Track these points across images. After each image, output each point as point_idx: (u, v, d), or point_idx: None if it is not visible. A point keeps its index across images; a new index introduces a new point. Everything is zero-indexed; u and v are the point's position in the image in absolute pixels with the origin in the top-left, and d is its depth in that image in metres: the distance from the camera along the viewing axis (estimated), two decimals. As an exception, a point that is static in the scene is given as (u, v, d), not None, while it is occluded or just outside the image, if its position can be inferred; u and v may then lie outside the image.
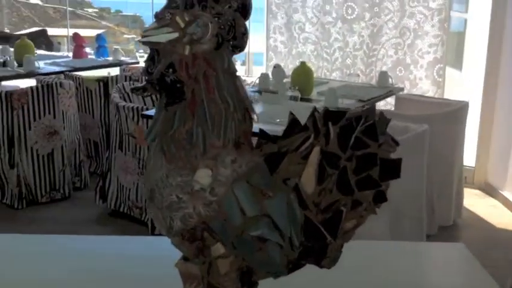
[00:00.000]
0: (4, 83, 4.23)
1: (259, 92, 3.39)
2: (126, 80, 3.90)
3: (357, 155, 0.80)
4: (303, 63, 3.45)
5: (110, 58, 4.62)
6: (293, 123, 0.84)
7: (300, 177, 0.79)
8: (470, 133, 3.89)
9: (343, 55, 4.64)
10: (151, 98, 3.57)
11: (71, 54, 4.79)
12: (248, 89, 3.56)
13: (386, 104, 4.42)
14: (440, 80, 4.50)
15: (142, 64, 4.67)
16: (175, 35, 0.74)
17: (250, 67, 5.94)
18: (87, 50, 4.79)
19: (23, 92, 3.40)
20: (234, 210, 0.76)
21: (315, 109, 0.84)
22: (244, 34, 0.81)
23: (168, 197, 0.77)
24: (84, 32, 6.75)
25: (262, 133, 0.85)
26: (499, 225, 3.71)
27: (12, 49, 4.34)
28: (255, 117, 0.83)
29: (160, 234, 0.90)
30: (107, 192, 3.46)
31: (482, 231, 3.62)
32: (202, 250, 0.80)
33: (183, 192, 0.76)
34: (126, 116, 3.16)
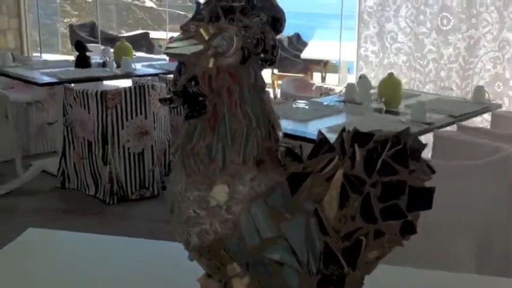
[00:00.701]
0: (104, 82, 4.44)
1: (344, 102, 3.33)
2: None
3: (383, 181, 0.75)
4: (390, 74, 3.34)
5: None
6: (321, 143, 0.81)
7: (322, 200, 0.76)
8: None
9: (437, 67, 4.46)
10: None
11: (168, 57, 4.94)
12: (333, 98, 3.51)
13: (482, 121, 4.19)
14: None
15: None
16: (200, 47, 0.73)
17: (344, 76, 5.85)
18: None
19: (117, 92, 3.56)
20: (249, 230, 0.74)
21: (343, 129, 0.81)
22: (274, 48, 0.79)
23: (186, 211, 0.76)
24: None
25: (289, 151, 0.82)
26: None
27: (112, 50, 4.56)
28: (280, 134, 0.81)
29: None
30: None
31: None
32: (219, 268, 0.79)
33: (200, 207, 0.75)
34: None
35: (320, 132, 0.82)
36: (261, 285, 0.77)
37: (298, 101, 3.06)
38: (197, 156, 0.75)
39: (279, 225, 0.75)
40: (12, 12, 6.54)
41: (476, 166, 2.42)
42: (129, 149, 3.72)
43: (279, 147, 0.81)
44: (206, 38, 0.73)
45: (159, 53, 5.62)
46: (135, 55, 4.74)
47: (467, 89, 4.34)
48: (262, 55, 0.78)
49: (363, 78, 3.30)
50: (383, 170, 0.75)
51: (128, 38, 6.18)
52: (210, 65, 0.74)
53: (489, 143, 2.75)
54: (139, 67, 4.40)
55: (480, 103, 3.64)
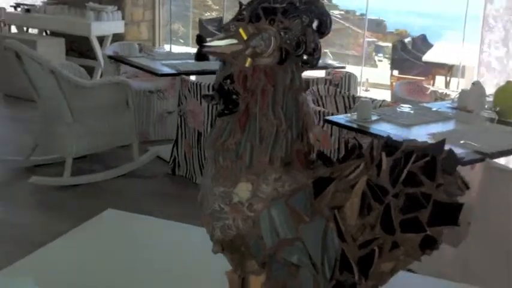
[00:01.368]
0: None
1: (455, 109, 3.18)
2: (326, 84, 3.96)
3: (407, 192, 0.73)
4: (508, 83, 3.14)
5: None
6: (353, 149, 0.80)
7: (343, 206, 0.76)
8: None
9: None
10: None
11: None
12: (445, 104, 3.36)
13: None
14: None
15: (347, 69, 4.69)
16: (238, 46, 0.75)
17: (467, 81, 5.56)
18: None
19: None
20: (268, 229, 0.76)
21: (375, 137, 0.79)
22: (315, 50, 0.80)
23: (212, 204, 0.79)
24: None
25: (319, 155, 0.82)
26: None
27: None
28: (311, 137, 0.81)
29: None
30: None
31: None
32: (240, 263, 0.81)
33: (224, 203, 0.77)
34: (313, 118, 3.22)
35: (354, 138, 0.81)
36: (276, 285, 0.79)
37: (402, 105, 2.97)
38: (226, 152, 0.78)
39: (297, 227, 0.75)
40: (148, 5, 6.95)
41: None
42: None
43: (311, 149, 0.81)
44: (245, 37, 0.75)
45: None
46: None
47: None
48: (304, 57, 0.79)
49: (476, 85, 3.13)
50: (408, 181, 0.73)
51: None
52: (247, 64, 0.76)
53: None
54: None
55: None
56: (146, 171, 4.10)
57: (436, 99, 4.04)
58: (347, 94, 3.62)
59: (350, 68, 4.99)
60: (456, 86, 5.32)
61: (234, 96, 0.78)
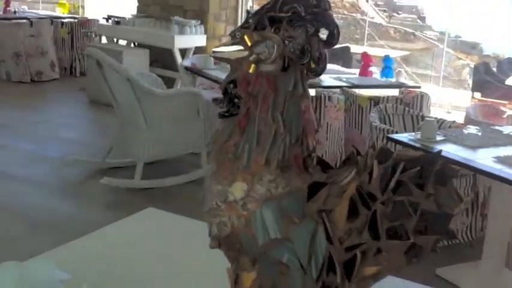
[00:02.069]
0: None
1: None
2: (396, 103, 3.90)
3: (395, 200, 0.73)
4: None
5: (393, 79, 4.66)
6: (351, 156, 0.81)
7: (333, 210, 0.77)
8: None
9: None
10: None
11: (357, 71, 4.98)
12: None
13: None
14: None
15: (422, 89, 4.59)
16: (243, 53, 0.79)
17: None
18: (374, 69, 4.91)
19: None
20: (259, 228, 0.78)
21: (372, 145, 0.80)
22: (320, 59, 0.82)
23: (210, 202, 0.82)
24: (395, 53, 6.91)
25: (319, 161, 0.84)
26: None
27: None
28: (310, 143, 0.82)
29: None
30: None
31: None
32: (235, 260, 0.84)
33: (221, 200, 0.81)
34: (377, 136, 3.19)
35: (353, 146, 0.82)
36: (266, 283, 0.80)
37: (469, 126, 2.88)
38: (225, 152, 0.81)
39: (287, 228, 0.77)
40: (230, 20, 7.13)
41: None
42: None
43: (310, 155, 0.83)
44: (249, 44, 0.79)
45: (356, 67, 5.66)
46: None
47: None
48: (312, 65, 0.81)
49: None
50: (397, 189, 0.73)
51: (330, 51, 6.32)
52: (251, 70, 0.80)
53: None
54: (326, 78, 4.50)
55: None
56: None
57: (513, 124, 3.88)
58: (416, 114, 3.55)
59: (444, 91, 4.86)
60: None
61: (236, 100, 0.81)
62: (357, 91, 4.24)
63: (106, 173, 4.12)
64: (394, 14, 11.92)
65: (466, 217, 3.19)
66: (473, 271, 2.89)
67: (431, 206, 0.72)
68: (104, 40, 7.64)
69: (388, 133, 3.04)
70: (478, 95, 6.08)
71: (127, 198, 3.80)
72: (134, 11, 7.39)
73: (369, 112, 4.08)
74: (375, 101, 3.99)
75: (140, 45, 6.92)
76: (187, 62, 5.00)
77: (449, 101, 7.15)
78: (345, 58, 6.11)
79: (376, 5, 11.91)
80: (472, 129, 2.85)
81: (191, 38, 6.46)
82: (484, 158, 2.58)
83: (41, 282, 0.93)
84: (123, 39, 7.19)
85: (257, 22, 0.80)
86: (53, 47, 7.85)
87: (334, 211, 0.76)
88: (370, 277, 0.74)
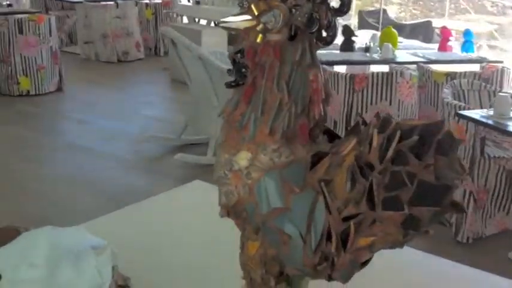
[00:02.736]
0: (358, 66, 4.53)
1: None
2: (474, 78, 3.73)
3: (392, 170, 0.72)
4: None
5: (474, 54, 4.45)
6: (356, 126, 0.80)
7: (333, 180, 0.76)
8: None
9: None
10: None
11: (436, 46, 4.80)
12: None
13: None
14: None
15: (505, 64, 4.35)
16: (251, 23, 0.80)
17: None
18: (454, 44, 4.71)
19: (364, 76, 3.63)
20: (261, 197, 0.79)
21: (377, 114, 0.78)
22: (329, 28, 0.81)
23: (218, 171, 0.84)
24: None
25: (326, 130, 0.83)
26: None
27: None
28: (316, 113, 0.82)
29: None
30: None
31: None
32: (242, 228, 0.85)
33: (227, 169, 0.82)
34: (449, 112, 3.07)
35: (359, 115, 0.81)
36: (269, 252, 0.82)
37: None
38: (233, 122, 0.82)
39: (288, 198, 0.78)
40: None
41: None
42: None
43: (317, 125, 0.83)
44: (256, 13, 0.79)
45: (436, 42, 5.45)
46: (401, 42, 4.71)
47: None
48: (315, 34, 0.81)
49: None
50: (394, 159, 0.72)
51: (410, 26, 6.15)
52: (258, 39, 0.80)
53: None
54: (402, 54, 4.37)
55: None
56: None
57: None
58: (493, 89, 3.39)
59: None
60: None
61: (244, 70, 0.82)
62: (433, 67, 4.09)
63: (181, 149, 4.24)
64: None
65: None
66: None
67: (429, 176, 0.70)
68: (185, 20, 7.80)
69: (459, 109, 2.92)
70: None
71: (199, 174, 3.88)
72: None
73: (445, 88, 3.93)
74: (452, 76, 3.84)
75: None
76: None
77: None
78: (425, 33, 5.90)
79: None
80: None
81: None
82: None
83: (73, 246, 0.99)
84: (203, 18, 7.30)
85: (265, -9, 0.81)
86: (138, 28, 8.12)
87: (334, 181, 0.76)
88: (365, 248, 0.73)
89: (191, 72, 4.15)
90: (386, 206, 0.71)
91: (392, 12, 9.15)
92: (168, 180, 3.83)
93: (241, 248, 0.85)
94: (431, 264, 1.21)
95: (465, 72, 3.88)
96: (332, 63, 4.07)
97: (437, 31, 6.02)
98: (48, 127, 5.21)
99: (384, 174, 0.72)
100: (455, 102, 3.08)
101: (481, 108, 3.32)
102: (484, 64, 4.18)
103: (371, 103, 3.71)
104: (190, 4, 7.34)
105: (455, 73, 3.86)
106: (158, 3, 8.50)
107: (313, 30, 0.80)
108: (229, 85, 0.83)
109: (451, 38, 4.59)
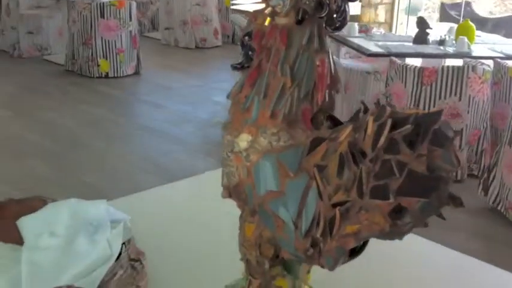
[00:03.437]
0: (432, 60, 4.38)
1: None
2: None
3: (383, 158, 0.70)
4: None
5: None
6: (357, 113, 0.79)
7: (327, 166, 0.75)
8: None
9: None
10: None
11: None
12: None
13: None
14: None
15: None
16: (261, 6, 0.81)
17: None
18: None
19: (434, 70, 3.51)
20: (258, 179, 0.80)
21: (376, 102, 0.76)
22: (338, 12, 0.80)
23: (222, 152, 0.85)
24: None
25: (329, 117, 0.82)
26: None
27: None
28: (320, 99, 0.81)
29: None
30: (489, 186, 3.31)
31: None
32: (242, 210, 0.86)
33: (230, 151, 0.84)
34: None
35: (362, 102, 0.80)
36: (264, 235, 0.82)
37: None
38: (237, 104, 0.84)
39: (283, 182, 0.78)
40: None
41: None
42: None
43: (321, 111, 0.82)
44: None
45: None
46: (479, 36, 4.51)
47: None
48: (325, 19, 0.80)
49: None
50: (387, 147, 0.70)
51: (493, 20, 5.88)
52: (266, 23, 0.81)
53: None
54: (479, 48, 4.19)
55: None
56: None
57: None
58: None
59: None
60: None
61: (250, 53, 0.83)
62: (511, 63, 3.89)
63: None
64: None
65: None
66: None
67: (420, 167, 0.68)
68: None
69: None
70: None
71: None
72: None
73: (523, 86, 3.74)
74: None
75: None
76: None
77: None
78: (508, 28, 5.61)
79: None
80: None
81: (345, 6, 6.35)
82: None
83: (93, 219, 1.04)
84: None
85: (275, -25, 0.81)
86: (216, 15, 8.24)
87: (329, 167, 0.75)
88: (351, 235, 0.72)
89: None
90: (374, 194, 0.70)
91: (485, 5, 8.77)
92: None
93: (240, 230, 0.86)
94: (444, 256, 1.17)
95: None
96: (403, 55, 3.96)
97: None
98: (124, 108, 5.41)
99: (375, 163, 0.70)
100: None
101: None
102: None
103: (439, 98, 3.58)
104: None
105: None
106: (237, -9, 8.59)
107: (322, 15, 0.79)
108: (234, 67, 0.84)
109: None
